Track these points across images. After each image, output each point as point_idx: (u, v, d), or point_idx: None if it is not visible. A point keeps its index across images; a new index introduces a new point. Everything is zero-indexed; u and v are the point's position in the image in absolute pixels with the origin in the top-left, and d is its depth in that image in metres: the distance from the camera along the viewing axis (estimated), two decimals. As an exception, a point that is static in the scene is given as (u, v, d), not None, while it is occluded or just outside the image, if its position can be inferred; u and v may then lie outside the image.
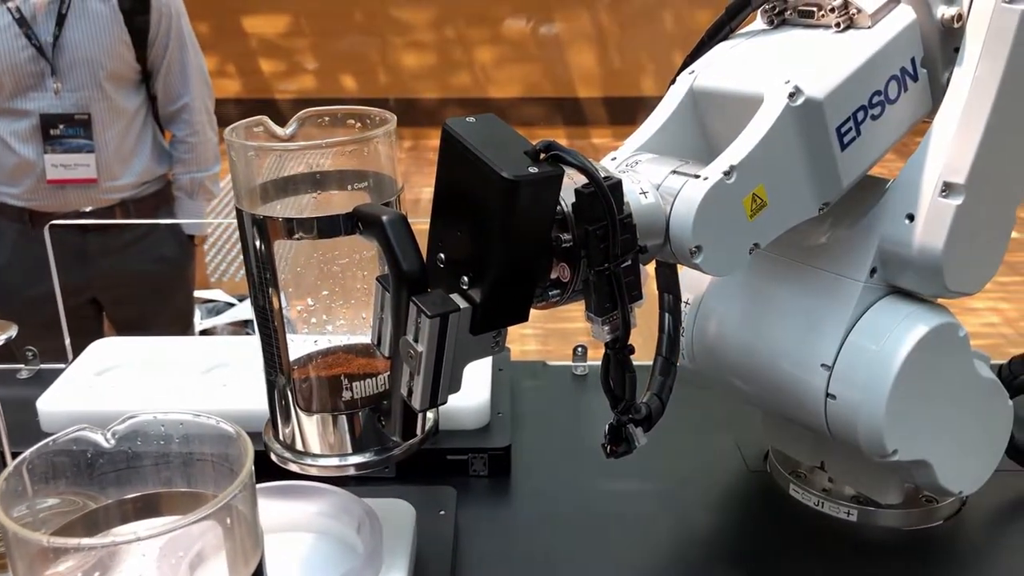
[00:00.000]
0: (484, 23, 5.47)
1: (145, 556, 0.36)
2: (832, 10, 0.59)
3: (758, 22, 0.65)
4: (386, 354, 0.53)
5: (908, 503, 0.69)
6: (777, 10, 0.63)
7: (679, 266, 0.60)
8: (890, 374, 0.58)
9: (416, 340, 0.49)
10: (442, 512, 0.67)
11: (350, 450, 0.58)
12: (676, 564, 0.68)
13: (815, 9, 0.60)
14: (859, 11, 0.58)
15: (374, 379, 0.58)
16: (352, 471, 0.58)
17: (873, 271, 0.61)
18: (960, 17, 0.57)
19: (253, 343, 0.91)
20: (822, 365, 0.61)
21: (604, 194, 0.48)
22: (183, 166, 1.80)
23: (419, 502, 0.66)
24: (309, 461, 0.58)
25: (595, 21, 5.35)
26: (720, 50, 0.64)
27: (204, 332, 2.47)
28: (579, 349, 0.93)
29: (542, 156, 0.48)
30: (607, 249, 0.49)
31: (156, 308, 1.84)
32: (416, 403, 0.50)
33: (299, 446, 0.58)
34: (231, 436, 0.39)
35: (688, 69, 0.63)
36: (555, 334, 2.85)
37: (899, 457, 0.61)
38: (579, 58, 5.31)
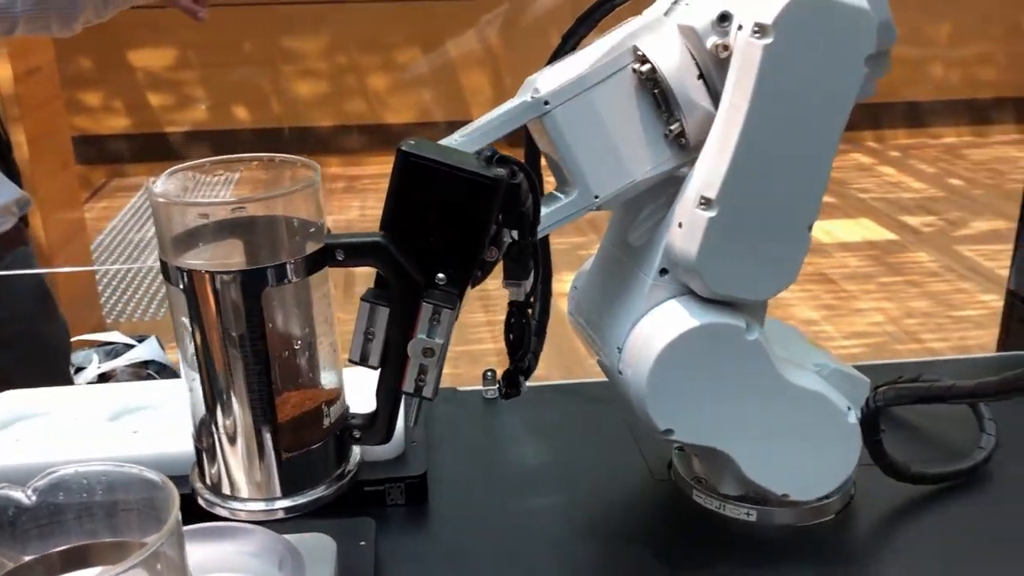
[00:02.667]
0: (376, 50, 5.48)
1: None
2: None
3: None
4: (376, 365, 0.59)
5: (799, 502, 0.74)
6: None
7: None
8: (651, 357, 0.66)
9: (432, 336, 0.57)
10: (362, 543, 0.68)
11: (279, 493, 0.59)
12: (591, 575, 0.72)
13: None
14: None
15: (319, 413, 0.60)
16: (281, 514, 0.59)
17: (664, 271, 0.68)
18: (727, 47, 0.62)
19: (158, 386, 0.91)
20: (617, 348, 0.70)
21: (533, 184, 0.59)
22: None
23: (338, 534, 0.67)
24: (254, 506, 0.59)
25: (484, 43, 5.43)
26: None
27: (103, 376, 2.40)
28: (488, 373, 0.96)
29: (495, 159, 0.57)
30: (534, 225, 0.59)
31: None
32: (431, 394, 0.59)
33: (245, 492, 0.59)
34: (156, 483, 0.40)
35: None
36: (464, 357, 2.87)
37: (678, 438, 0.68)
38: (471, 81, 5.38)
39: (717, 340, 0.66)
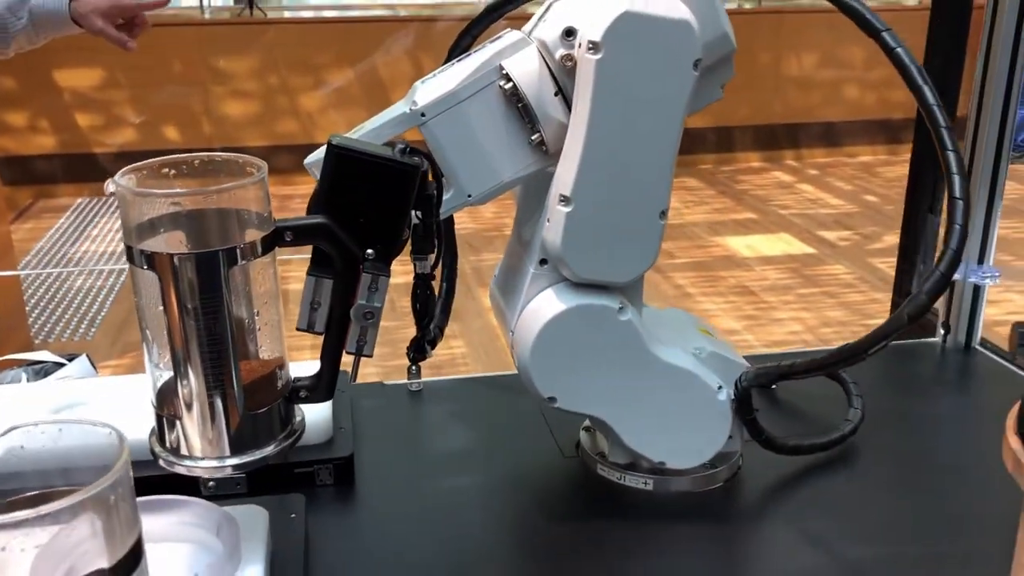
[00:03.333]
0: (307, 70, 5.52)
1: (24, 551, 0.42)
2: None
3: None
4: (321, 331, 0.67)
5: (693, 470, 0.82)
6: None
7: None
8: (531, 335, 0.75)
9: (371, 301, 0.66)
10: (293, 515, 0.74)
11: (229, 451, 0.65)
12: (504, 546, 0.78)
13: None
14: None
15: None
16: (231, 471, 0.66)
17: (543, 261, 0.76)
18: (571, 59, 0.71)
19: (103, 383, 0.95)
20: (511, 331, 0.78)
21: (437, 172, 0.70)
22: None
23: (272, 508, 0.73)
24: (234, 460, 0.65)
25: (415, 63, 5.50)
26: None
27: (32, 394, 2.39)
28: (413, 368, 1.02)
29: (407, 151, 0.66)
30: (437, 207, 0.70)
31: None
32: (371, 352, 0.68)
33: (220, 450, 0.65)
34: (104, 434, 0.46)
35: None
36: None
37: (562, 406, 0.77)
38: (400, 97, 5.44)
39: (590, 319, 0.75)
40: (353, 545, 0.77)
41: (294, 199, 5.33)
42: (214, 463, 0.64)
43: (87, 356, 2.71)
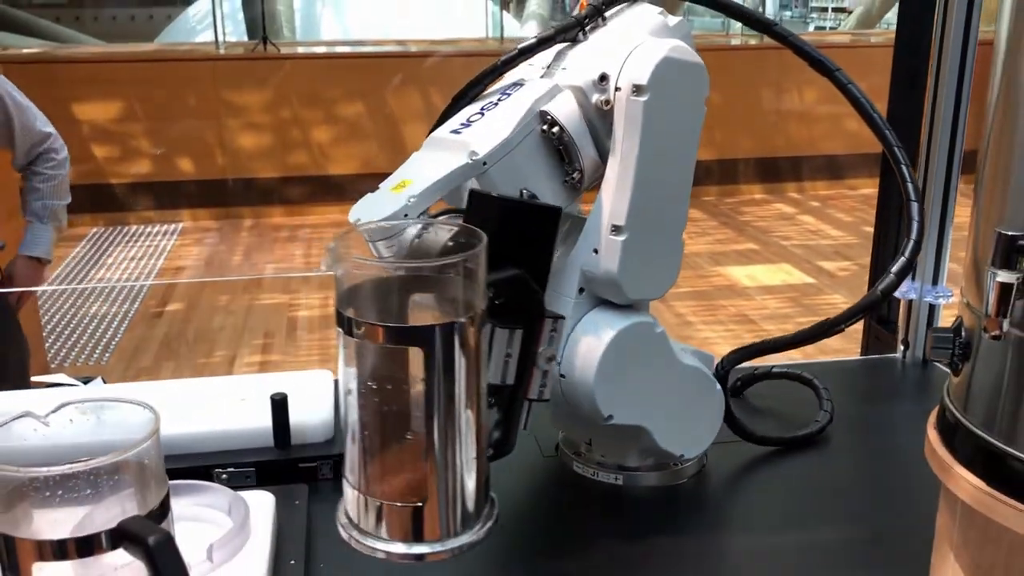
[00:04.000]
0: (318, 104, 5.66)
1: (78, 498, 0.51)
2: None
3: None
4: (512, 382, 0.68)
5: (660, 467, 0.90)
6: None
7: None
8: (595, 359, 0.81)
9: (551, 344, 0.70)
10: (297, 502, 0.83)
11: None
12: (490, 537, 0.86)
13: None
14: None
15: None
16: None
17: (581, 290, 0.83)
18: (608, 102, 0.79)
19: (141, 387, 1.03)
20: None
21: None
22: (38, 195, 2.12)
23: (279, 496, 0.81)
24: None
25: (426, 99, 5.64)
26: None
27: (50, 413, 2.48)
28: (409, 378, 1.11)
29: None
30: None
31: None
32: (548, 395, 0.71)
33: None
34: (141, 411, 0.55)
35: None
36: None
37: (617, 421, 0.83)
38: (413, 133, 5.58)
39: (637, 337, 0.82)
40: (351, 532, 0.85)
41: (304, 228, 5.47)
42: (452, 543, 0.64)
43: (102, 379, 2.82)
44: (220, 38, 6.26)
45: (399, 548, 0.64)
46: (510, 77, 0.84)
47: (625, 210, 0.79)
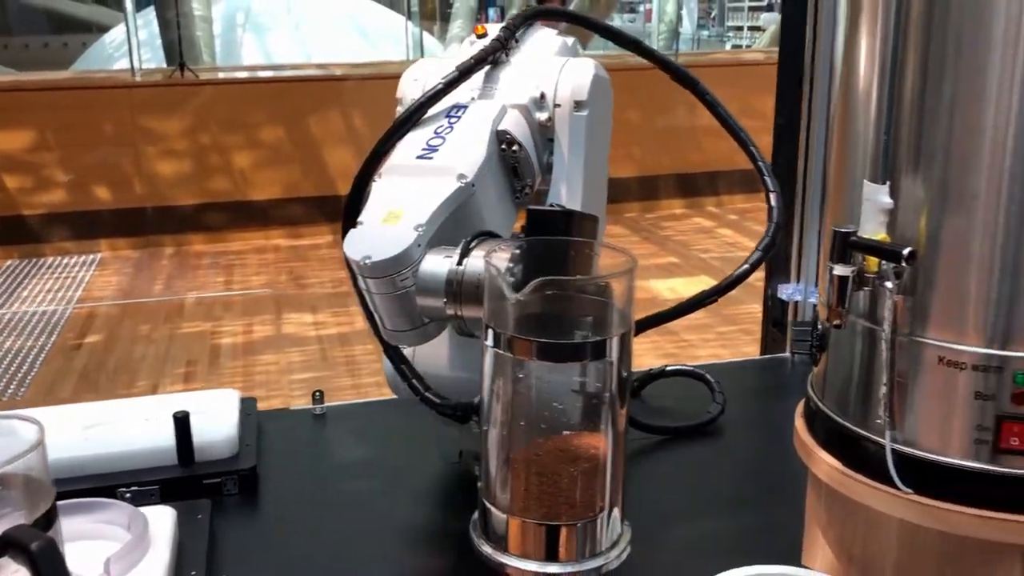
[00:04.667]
0: (238, 129, 5.62)
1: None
2: None
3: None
4: None
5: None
6: None
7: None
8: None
9: None
10: (199, 516, 0.84)
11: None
12: (391, 541, 0.89)
13: None
14: None
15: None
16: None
17: None
18: (550, 119, 0.86)
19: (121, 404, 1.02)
20: None
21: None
22: None
23: (180, 511, 0.83)
24: None
25: (348, 123, 5.64)
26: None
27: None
28: (317, 393, 1.13)
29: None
30: None
31: None
32: None
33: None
34: (28, 426, 0.57)
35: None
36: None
37: None
38: (335, 157, 5.57)
39: None
40: (255, 544, 0.87)
41: (227, 255, 5.41)
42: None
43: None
44: (136, 65, 6.17)
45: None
46: (446, 100, 0.85)
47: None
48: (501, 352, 0.64)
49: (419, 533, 0.90)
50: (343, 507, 0.92)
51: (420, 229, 0.74)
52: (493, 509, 0.68)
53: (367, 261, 0.72)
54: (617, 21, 10.74)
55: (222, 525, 0.87)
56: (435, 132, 0.82)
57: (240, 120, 5.60)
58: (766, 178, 0.91)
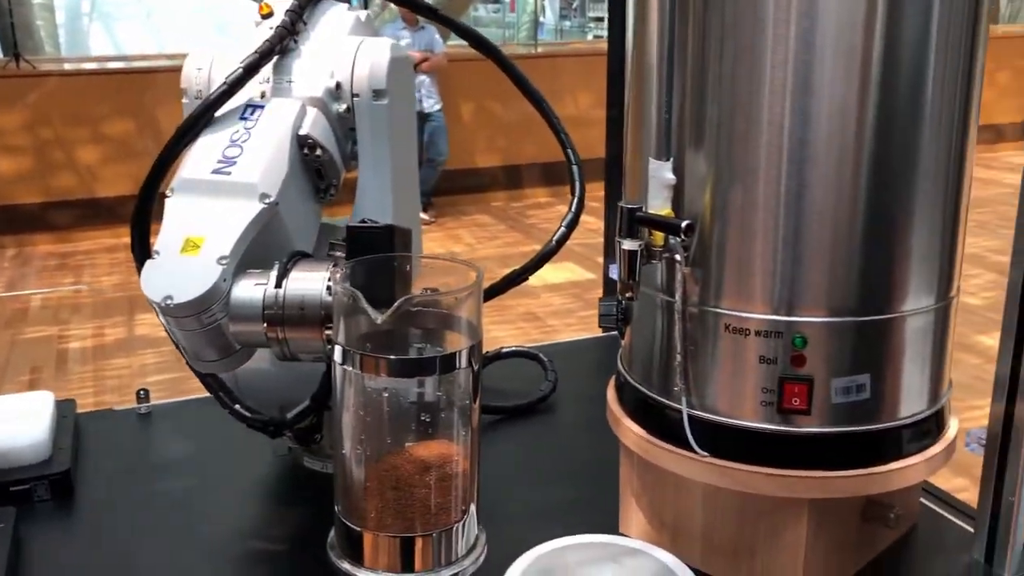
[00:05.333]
0: (84, 123, 5.34)
1: None
2: None
3: None
4: None
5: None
6: None
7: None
8: None
9: None
10: (2, 524, 0.80)
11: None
12: (219, 542, 0.86)
13: None
14: None
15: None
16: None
17: None
18: (349, 110, 0.82)
19: None
20: None
21: None
22: None
23: (-21, 521, 0.78)
24: None
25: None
26: None
27: None
28: (142, 392, 1.09)
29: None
30: None
31: None
32: None
33: None
34: None
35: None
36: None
37: None
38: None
39: None
40: (67, 550, 0.83)
41: (75, 255, 5.14)
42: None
43: None
44: (-33, 56, 5.78)
45: None
46: (239, 99, 0.80)
47: (390, 212, 0.83)
48: (352, 370, 0.64)
49: (244, 522, 0.88)
50: (166, 508, 0.89)
51: (224, 262, 0.70)
52: (350, 525, 0.67)
53: (169, 303, 0.69)
54: (481, 11, 10.76)
55: (31, 532, 0.83)
56: (230, 139, 0.76)
57: (85, 113, 5.33)
58: (568, 150, 0.93)
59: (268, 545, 0.85)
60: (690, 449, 0.70)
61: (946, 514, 0.85)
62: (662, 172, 0.65)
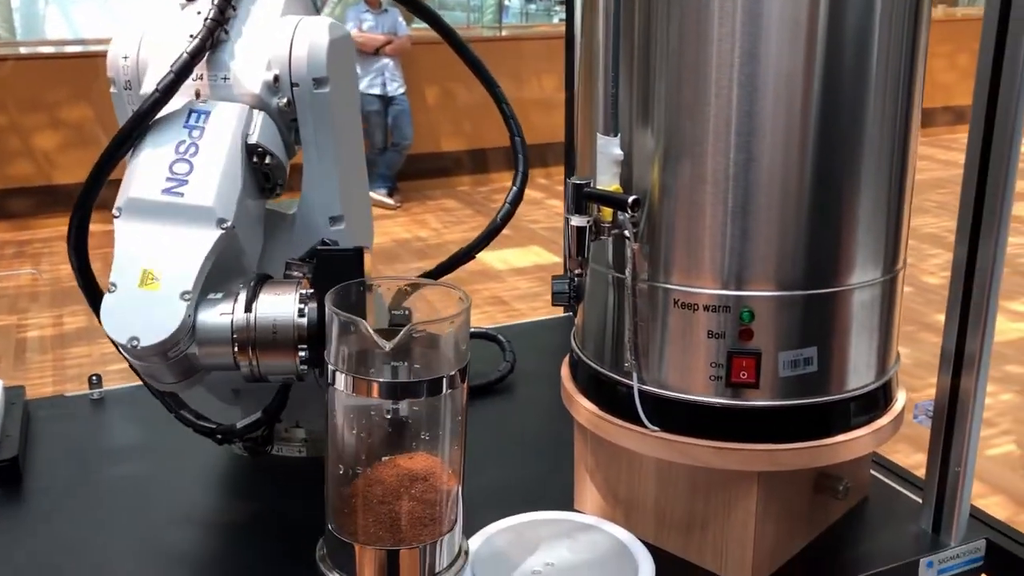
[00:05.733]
0: (40, 108, 5.24)
1: None
2: None
3: None
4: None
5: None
6: None
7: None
8: None
9: None
10: (-55, 514, 0.78)
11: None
12: (169, 528, 0.85)
13: None
14: None
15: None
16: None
17: None
18: (290, 102, 0.78)
19: None
20: None
21: None
22: None
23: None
24: None
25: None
26: None
27: None
28: (94, 378, 1.07)
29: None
30: None
31: None
32: None
33: None
34: None
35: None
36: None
37: None
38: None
39: None
40: (11, 539, 0.81)
41: (33, 243, 5.05)
42: None
43: None
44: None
45: None
46: (176, 100, 0.75)
47: (338, 201, 0.81)
48: (344, 391, 0.63)
49: (198, 508, 0.87)
50: (116, 494, 0.88)
51: (188, 297, 0.69)
52: (340, 538, 0.67)
53: (135, 344, 0.68)
54: (447, -6, 10.68)
55: (-25, 526, 0.82)
56: (176, 151, 0.73)
57: (42, 98, 5.22)
58: (510, 121, 0.93)
59: (220, 533, 0.84)
60: (642, 425, 0.70)
61: (896, 486, 0.86)
62: (610, 147, 0.65)
